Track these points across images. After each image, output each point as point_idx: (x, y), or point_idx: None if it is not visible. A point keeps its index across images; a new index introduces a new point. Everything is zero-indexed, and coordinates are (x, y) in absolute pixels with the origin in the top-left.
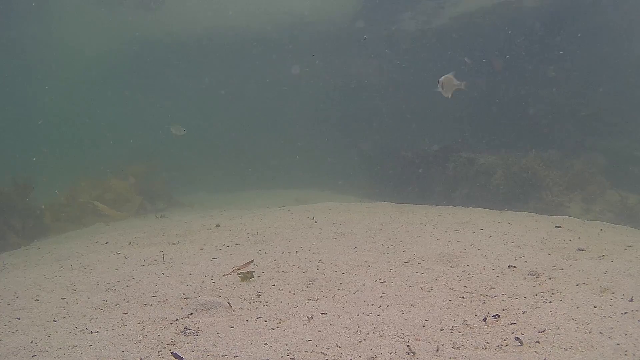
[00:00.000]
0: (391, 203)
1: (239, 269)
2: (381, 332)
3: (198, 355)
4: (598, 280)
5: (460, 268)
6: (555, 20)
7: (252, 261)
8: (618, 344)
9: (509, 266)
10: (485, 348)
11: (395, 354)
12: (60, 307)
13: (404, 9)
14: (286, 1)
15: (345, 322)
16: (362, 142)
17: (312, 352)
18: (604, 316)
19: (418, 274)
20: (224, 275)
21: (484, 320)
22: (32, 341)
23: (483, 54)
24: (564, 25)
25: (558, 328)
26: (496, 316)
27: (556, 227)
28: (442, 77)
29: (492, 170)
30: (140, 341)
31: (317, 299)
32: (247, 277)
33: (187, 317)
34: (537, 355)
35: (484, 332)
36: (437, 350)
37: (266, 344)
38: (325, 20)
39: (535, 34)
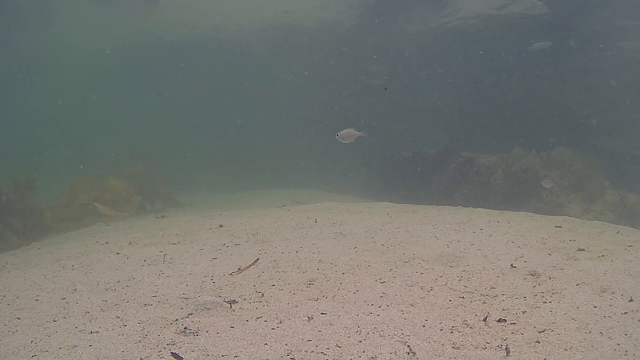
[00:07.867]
0: (391, 203)
1: (241, 270)
2: (381, 332)
3: (198, 355)
4: (598, 280)
5: (460, 268)
6: (554, 22)
7: (258, 260)
8: (618, 344)
9: (510, 265)
10: (485, 348)
11: (395, 354)
12: (60, 307)
13: (405, 12)
14: (286, 3)
15: (345, 322)
16: (402, 148)
17: (312, 352)
18: (604, 316)
19: (418, 274)
20: (226, 274)
21: (484, 320)
22: (32, 341)
23: (484, 56)
24: (562, 27)
25: (558, 328)
26: (500, 320)
27: (556, 227)
28: (341, 131)
29: (492, 170)
30: (140, 341)
31: (317, 299)
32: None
33: (187, 317)
34: (537, 355)
35: (484, 332)
36: (437, 350)
37: (266, 344)
38: (324, 22)
39: (534, 36)
